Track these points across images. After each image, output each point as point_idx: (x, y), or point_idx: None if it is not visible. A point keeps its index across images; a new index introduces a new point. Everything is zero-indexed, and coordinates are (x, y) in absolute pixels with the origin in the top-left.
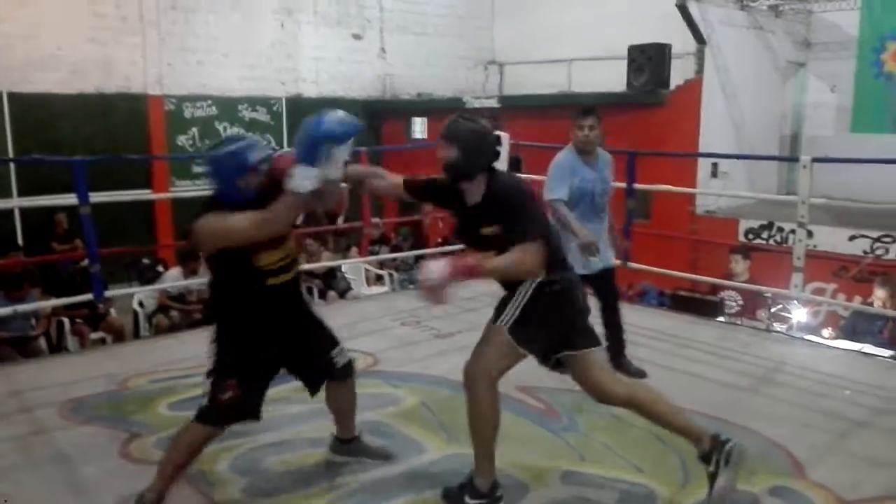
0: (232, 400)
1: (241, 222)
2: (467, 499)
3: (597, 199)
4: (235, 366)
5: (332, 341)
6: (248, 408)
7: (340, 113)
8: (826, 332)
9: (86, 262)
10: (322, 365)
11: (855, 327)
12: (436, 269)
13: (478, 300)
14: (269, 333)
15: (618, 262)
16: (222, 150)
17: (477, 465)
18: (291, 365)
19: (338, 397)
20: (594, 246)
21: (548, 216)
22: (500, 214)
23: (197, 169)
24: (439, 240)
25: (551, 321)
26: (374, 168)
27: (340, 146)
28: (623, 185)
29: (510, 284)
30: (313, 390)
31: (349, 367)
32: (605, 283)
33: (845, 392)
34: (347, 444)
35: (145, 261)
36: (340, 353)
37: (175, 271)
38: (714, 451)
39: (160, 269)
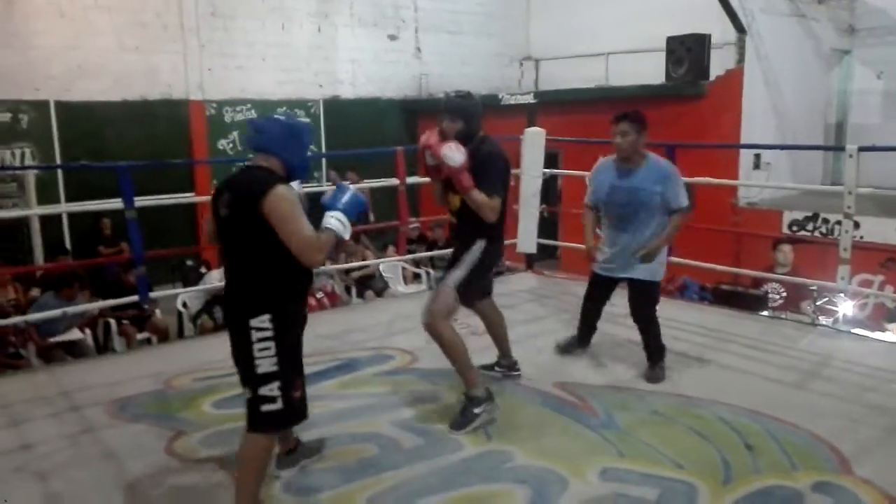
0: (301, 398)
1: (308, 233)
2: (476, 410)
3: (621, 210)
4: (298, 363)
5: None
6: (306, 407)
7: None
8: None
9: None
10: None
11: None
12: (455, 153)
13: (514, 296)
14: (300, 327)
15: (647, 277)
16: (297, 121)
17: (466, 381)
18: None
19: None
20: (589, 252)
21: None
22: (477, 173)
23: None
24: None
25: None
26: None
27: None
28: None
29: (466, 241)
30: None
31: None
32: (632, 295)
33: (893, 386)
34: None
35: (189, 263)
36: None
37: (218, 272)
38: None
39: (203, 270)
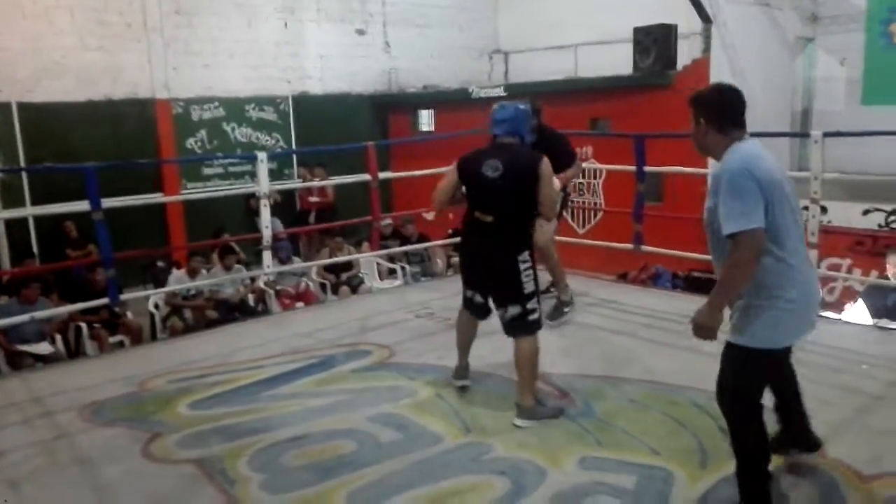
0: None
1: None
2: (565, 309)
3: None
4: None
5: None
6: None
7: None
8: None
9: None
10: None
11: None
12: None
13: None
14: None
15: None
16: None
17: (560, 289)
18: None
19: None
20: None
21: None
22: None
23: (207, 171)
24: (450, 231)
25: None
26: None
27: None
28: (632, 168)
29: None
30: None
31: None
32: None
33: (862, 367)
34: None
35: (160, 263)
36: None
37: (180, 272)
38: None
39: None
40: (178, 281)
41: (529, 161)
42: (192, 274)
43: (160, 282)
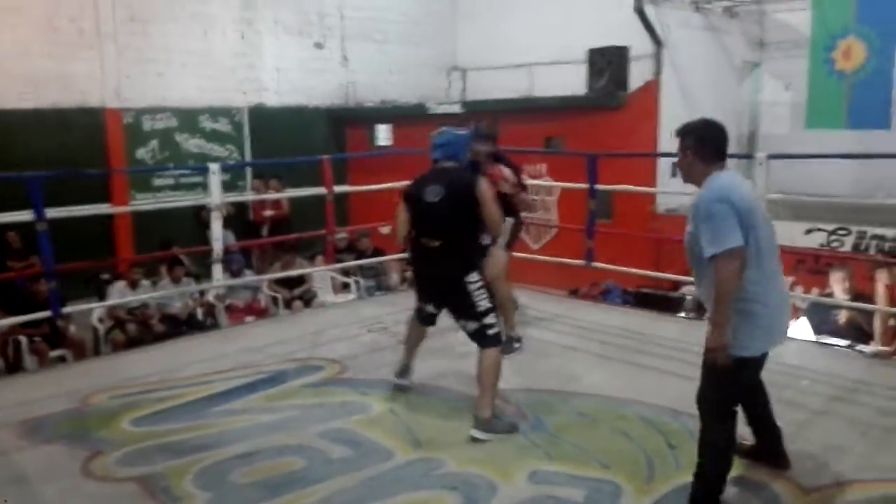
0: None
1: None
2: (515, 345)
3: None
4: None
5: None
6: None
7: None
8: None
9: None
10: None
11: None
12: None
13: None
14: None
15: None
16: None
17: (506, 321)
18: None
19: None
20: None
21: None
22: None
23: (158, 182)
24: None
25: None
26: None
27: None
28: (585, 185)
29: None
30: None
31: None
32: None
33: (803, 382)
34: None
35: (105, 276)
36: None
37: (120, 284)
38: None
39: (115, 283)
40: (119, 293)
41: (468, 183)
42: (133, 286)
43: (103, 295)
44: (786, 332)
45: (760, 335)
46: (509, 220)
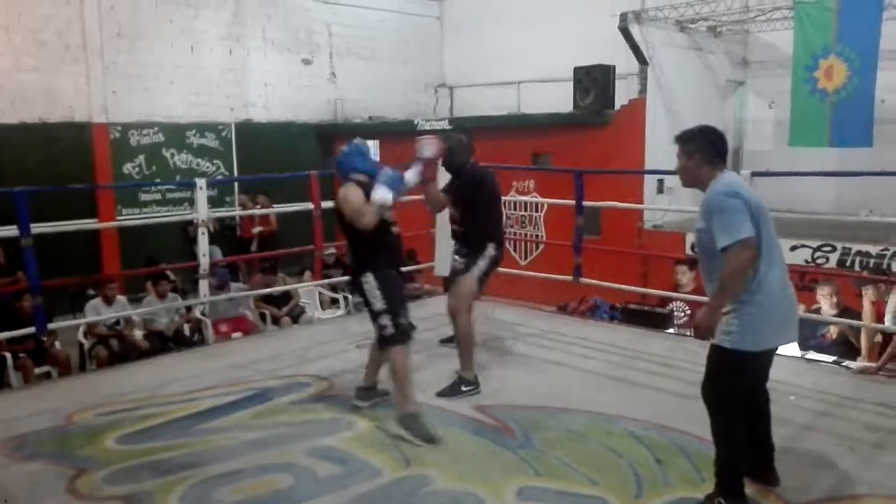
0: (407, 324)
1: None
2: (463, 388)
3: (697, 242)
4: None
5: None
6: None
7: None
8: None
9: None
10: None
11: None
12: (429, 144)
13: (432, 319)
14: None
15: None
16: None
17: (463, 364)
18: None
19: None
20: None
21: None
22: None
23: (145, 197)
24: None
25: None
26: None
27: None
28: (572, 202)
29: (476, 245)
30: None
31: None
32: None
33: (790, 397)
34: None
35: (91, 292)
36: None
37: (96, 301)
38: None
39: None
40: (94, 310)
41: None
42: (109, 302)
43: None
44: (795, 331)
45: (768, 331)
46: (490, 246)
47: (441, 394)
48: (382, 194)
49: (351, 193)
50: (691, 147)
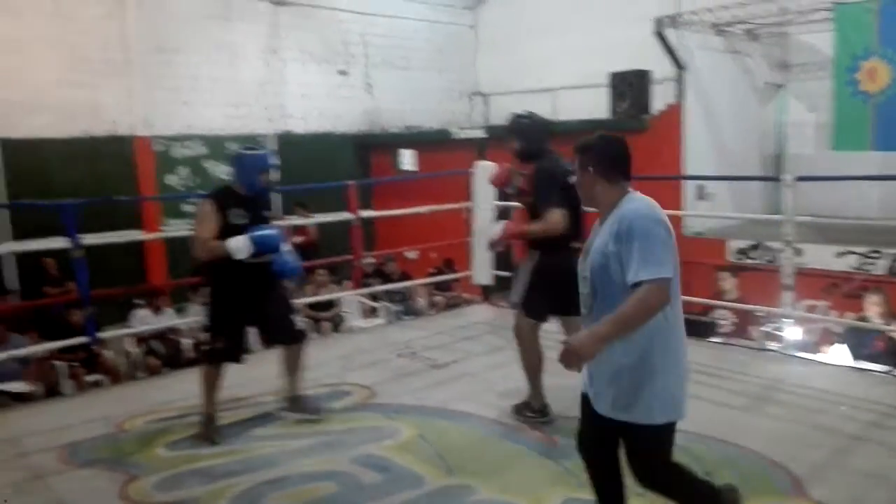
0: (224, 348)
1: (200, 233)
2: (527, 413)
3: (582, 279)
4: (224, 325)
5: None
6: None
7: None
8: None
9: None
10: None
11: (850, 342)
12: (498, 228)
13: (471, 328)
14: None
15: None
16: (248, 152)
17: (530, 389)
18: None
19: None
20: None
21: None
22: (534, 191)
23: (188, 208)
24: (432, 270)
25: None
26: None
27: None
28: None
29: (527, 254)
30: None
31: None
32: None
33: (841, 408)
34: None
35: (138, 301)
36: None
37: (143, 311)
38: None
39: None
40: (140, 319)
41: None
42: (157, 311)
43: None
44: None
45: (681, 391)
46: (532, 256)
47: (513, 408)
48: (238, 246)
49: (202, 213)
50: (585, 159)
